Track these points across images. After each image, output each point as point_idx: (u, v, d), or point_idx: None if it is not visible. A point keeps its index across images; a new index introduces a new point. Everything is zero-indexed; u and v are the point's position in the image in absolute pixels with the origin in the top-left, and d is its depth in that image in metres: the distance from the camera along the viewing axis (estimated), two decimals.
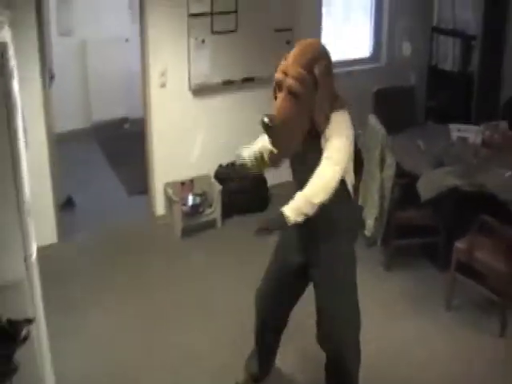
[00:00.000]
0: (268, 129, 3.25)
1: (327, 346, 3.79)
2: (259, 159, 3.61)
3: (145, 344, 4.59)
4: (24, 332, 2.49)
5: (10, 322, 2.49)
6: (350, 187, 3.50)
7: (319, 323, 3.77)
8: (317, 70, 3.25)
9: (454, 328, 4.83)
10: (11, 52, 2.79)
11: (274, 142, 3.34)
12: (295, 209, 3.21)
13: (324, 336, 3.77)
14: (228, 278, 5.19)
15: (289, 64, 3.29)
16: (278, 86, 3.35)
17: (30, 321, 2.60)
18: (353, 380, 3.90)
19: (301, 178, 3.40)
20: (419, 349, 4.61)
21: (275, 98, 3.41)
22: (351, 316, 3.74)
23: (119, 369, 4.35)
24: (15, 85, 2.77)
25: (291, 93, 3.26)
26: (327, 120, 3.30)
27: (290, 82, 3.25)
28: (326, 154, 3.28)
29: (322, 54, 3.34)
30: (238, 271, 5.32)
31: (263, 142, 3.55)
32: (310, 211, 3.22)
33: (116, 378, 4.26)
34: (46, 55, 5.42)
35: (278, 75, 3.33)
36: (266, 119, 3.23)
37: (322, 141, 3.31)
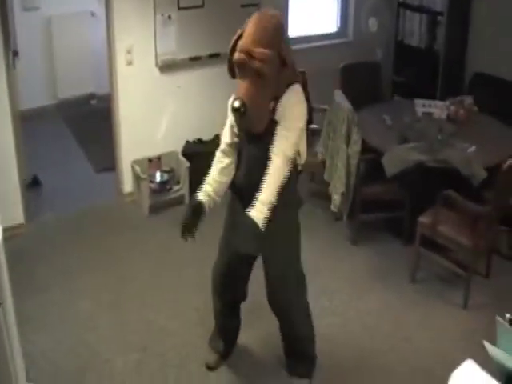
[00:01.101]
0: (239, 114, 3.24)
1: (276, 308, 3.88)
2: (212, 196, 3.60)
3: (115, 322, 4.60)
4: None
5: None
6: (301, 162, 3.59)
7: (267, 287, 3.85)
8: (280, 46, 3.21)
9: (418, 300, 4.93)
10: None
11: (243, 124, 3.35)
12: (262, 217, 3.27)
13: (272, 298, 3.85)
14: (196, 254, 5.21)
15: (250, 44, 3.19)
16: (241, 67, 3.27)
17: None
18: (307, 345, 4.03)
19: (254, 153, 3.45)
20: (384, 321, 4.70)
21: (233, 76, 3.38)
22: (299, 280, 3.84)
23: (89, 349, 4.35)
24: None
25: (258, 75, 3.20)
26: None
27: (257, 64, 3.18)
28: (275, 147, 3.33)
29: (282, 28, 3.29)
30: (205, 247, 5.32)
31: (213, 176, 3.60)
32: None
33: (86, 359, 4.27)
34: (9, 32, 5.33)
35: (241, 56, 3.22)
36: (236, 104, 3.21)
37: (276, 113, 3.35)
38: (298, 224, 3.77)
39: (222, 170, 3.60)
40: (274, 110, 3.35)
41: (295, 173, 3.60)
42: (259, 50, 3.17)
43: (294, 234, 3.76)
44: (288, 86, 3.36)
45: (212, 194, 3.57)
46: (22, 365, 3.51)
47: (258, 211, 3.28)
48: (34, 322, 4.47)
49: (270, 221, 3.52)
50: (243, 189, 3.60)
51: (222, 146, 3.63)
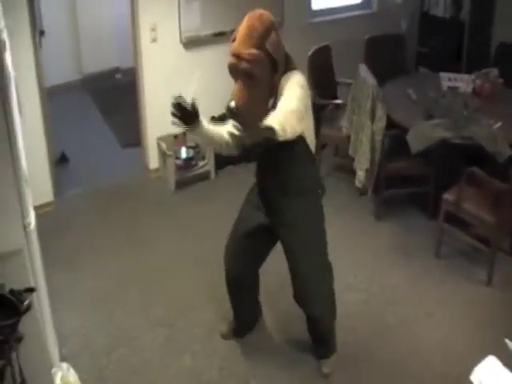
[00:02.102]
0: (234, 115, 3.20)
1: (302, 304, 3.92)
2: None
3: (141, 299, 4.70)
4: (26, 302, 2.54)
5: (12, 292, 2.54)
6: (312, 147, 3.54)
7: (293, 282, 3.87)
8: (269, 46, 3.18)
9: (442, 276, 4.97)
10: (2, 23, 2.80)
11: (241, 124, 3.30)
12: (277, 120, 3.07)
13: (298, 294, 3.88)
14: (222, 229, 5.26)
15: (238, 46, 3.17)
16: (233, 71, 3.24)
17: (31, 290, 2.65)
18: (330, 332, 4.11)
19: (261, 153, 3.47)
20: (407, 297, 4.76)
21: (232, 78, 3.29)
22: (322, 273, 3.85)
23: (118, 326, 4.46)
24: (8, 58, 2.79)
25: (248, 76, 3.18)
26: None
27: (244, 65, 3.16)
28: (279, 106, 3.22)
29: (269, 26, 3.22)
30: (232, 221, 5.39)
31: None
32: (289, 130, 3.10)
33: (115, 336, 4.38)
34: (35, 11, 5.37)
35: (231, 60, 3.20)
36: (231, 105, 3.16)
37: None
38: (322, 213, 3.76)
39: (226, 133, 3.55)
40: (274, 104, 3.28)
41: (310, 158, 3.59)
42: (247, 51, 3.15)
43: (316, 222, 3.75)
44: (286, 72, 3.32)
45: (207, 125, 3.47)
46: (56, 345, 3.62)
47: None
48: (64, 300, 4.57)
49: (288, 208, 3.60)
50: (259, 184, 3.71)
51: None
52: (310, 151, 3.56)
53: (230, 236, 4.01)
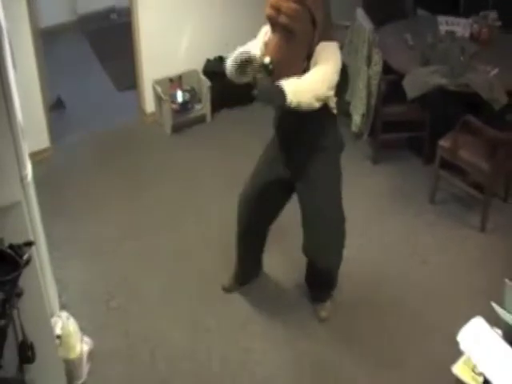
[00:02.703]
0: (268, 72, 3.16)
1: (314, 256, 3.97)
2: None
3: (141, 247, 4.75)
4: (26, 256, 2.56)
5: (12, 246, 2.56)
6: (334, 106, 3.54)
7: (307, 235, 3.90)
8: (310, 2, 3.09)
9: (437, 222, 5.04)
10: None
11: (275, 79, 3.23)
12: (293, 90, 3.12)
13: (312, 246, 3.93)
14: (219, 172, 5.29)
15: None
16: (271, 23, 3.19)
17: (30, 244, 2.67)
18: (334, 279, 4.18)
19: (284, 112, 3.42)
20: (402, 243, 4.85)
21: (271, 29, 3.25)
22: (338, 227, 3.90)
23: (117, 274, 4.53)
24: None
25: (287, 31, 3.12)
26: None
27: (284, 20, 3.09)
28: (314, 68, 3.25)
29: None
30: (228, 165, 5.43)
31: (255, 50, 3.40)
32: (305, 100, 3.16)
33: (114, 283, 4.46)
34: None
35: (270, 12, 3.14)
36: (267, 63, 3.12)
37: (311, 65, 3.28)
38: (340, 169, 3.80)
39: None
40: (306, 69, 3.28)
41: (332, 116, 3.61)
42: (287, 5, 3.07)
43: (335, 178, 3.79)
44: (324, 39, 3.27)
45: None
46: (56, 294, 3.68)
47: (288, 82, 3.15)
48: (62, 248, 4.62)
49: (310, 164, 3.63)
50: (282, 137, 3.70)
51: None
52: (333, 111, 3.56)
53: (245, 188, 4.00)
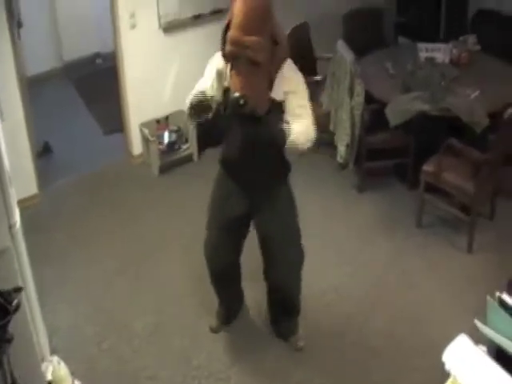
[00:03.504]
0: (242, 106, 3.13)
1: (273, 283, 4.04)
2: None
3: (130, 287, 4.77)
4: (15, 302, 2.57)
5: (0, 293, 2.56)
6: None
7: (267, 266, 3.96)
8: (270, 28, 3.12)
9: (424, 246, 5.07)
10: None
11: (245, 113, 3.23)
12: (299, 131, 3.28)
13: (273, 273, 3.98)
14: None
15: (240, 34, 3.07)
16: (234, 59, 3.17)
17: (19, 289, 2.67)
18: (298, 305, 4.18)
19: (249, 131, 3.42)
20: (390, 269, 4.87)
21: (230, 66, 3.24)
22: (296, 247, 3.92)
23: (107, 315, 4.53)
24: None
25: (252, 64, 3.11)
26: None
27: (249, 54, 3.08)
28: (297, 115, 3.34)
29: (266, 7, 3.13)
30: None
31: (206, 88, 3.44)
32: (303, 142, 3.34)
33: (105, 325, 4.45)
34: (11, 3, 5.35)
35: (233, 49, 3.11)
36: (240, 101, 3.11)
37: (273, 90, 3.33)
38: (291, 189, 3.82)
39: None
40: (270, 89, 3.32)
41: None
42: (250, 39, 3.06)
43: (290, 200, 3.82)
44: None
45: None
46: (46, 339, 3.68)
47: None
48: (52, 292, 4.63)
49: (267, 194, 3.68)
50: (236, 165, 3.68)
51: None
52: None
53: (207, 231, 4.02)
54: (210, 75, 3.48)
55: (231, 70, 3.24)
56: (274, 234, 3.81)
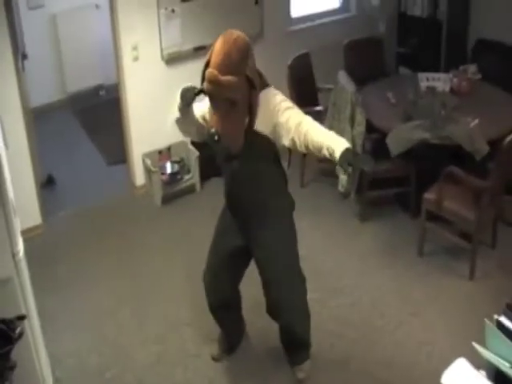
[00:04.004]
0: (217, 141, 3.23)
1: (278, 317, 4.00)
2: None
3: (133, 317, 4.76)
4: (18, 330, 2.59)
5: (4, 321, 2.59)
6: (286, 169, 3.66)
7: (267, 296, 3.94)
8: (247, 70, 3.17)
9: (426, 274, 5.07)
10: None
11: (220, 149, 3.36)
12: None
13: (274, 308, 3.96)
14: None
15: (216, 73, 3.11)
16: (210, 97, 3.24)
17: (22, 317, 2.70)
18: (305, 340, 4.17)
19: (240, 168, 3.45)
20: (393, 297, 4.85)
21: (210, 102, 3.30)
22: (297, 285, 3.92)
23: (111, 345, 4.52)
24: None
25: (230, 102, 3.18)
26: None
27: (226, 93, 3.15)
28: (295, 120, 3.28)
29: (246, 50, 3.20)
30: None
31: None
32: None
33: (109, 355, 4.44)
34: (16, 35, 5.44)
35: (210, 87, 3.16)
36: (215, 136, 3.20)
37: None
38: (294, 228, 3.83)
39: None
40: (250, 124, 3.35)
41: (284, 175, 3.69)
42: (227, 79, 3.11)
43: (291, 239, 3.83)
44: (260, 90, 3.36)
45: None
46: (49, 368, 3.69)
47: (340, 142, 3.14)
48: (56, 322, 4.63)
49: (265, 227, 3.67)
50: (235, 203, 3.73)
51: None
52: (283, 167, 3.66)
53: (207, 263, 4.04)
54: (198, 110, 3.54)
55: (211, 105, 3.31)
56: (270, 275, 3.82)
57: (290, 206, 3.78)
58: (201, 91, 3.26)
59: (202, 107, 3.51)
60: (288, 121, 3.28)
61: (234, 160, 3.43)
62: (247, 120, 3.34)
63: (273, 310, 3.98)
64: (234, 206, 3.75)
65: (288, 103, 3.38)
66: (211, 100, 3.27)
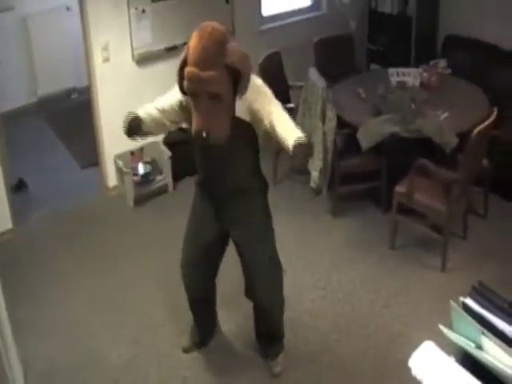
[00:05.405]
0: (205, 140, 3.25)
1: (256, 297, 4.02)
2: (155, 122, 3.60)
3: (106, 319, 4.73)
4: None
5: None
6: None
7: (247, 276, 3.97)
8: (228, 59, 3.15)
9: (398, 267, 5.10)
10: None
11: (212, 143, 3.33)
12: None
13: (252, 289, 3.98)
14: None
15: (197, 69, 3.12)
16: (193, 95, 3.23)
17: None
18: (280, 329, 4.20)
19: (220, 153, 3.45)
20: (365, 291, 4.88)
21: (184, 92, 3.32)
22: (275, 266, 3.95)
23: (83, 348, 4.49)
24: None
25: (214, 97, 3.17)
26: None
27: (210, 89, 3.14)
28: (270, 109, 3.33)
29: (223, 40, 3.17)
30: None
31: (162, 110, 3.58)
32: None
33: (81, 358, 4.41)
34: None
35: (192, 85, 3.18)
36: (203, 134, 3.21)
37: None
38: (269, 210, 3.85)
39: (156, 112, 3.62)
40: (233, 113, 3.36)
41: (258, 158, 3.71)
42: (208, 74, 3.11)
43: (268, 220, 3.85)
44: None
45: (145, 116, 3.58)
46: (20, 372, 3.66)
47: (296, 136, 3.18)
48: (27, 327, 4.58)
49: (242, 208, 3.69)
50: (211, 186, 3.73)
51: (153, 107, 3.64)
52: (259, 147, 3.66)
53: (182, 259, 4.04)
54: (173, 97, 3.56)
55: (192, 104, 3.29)
56: (249, 253, 3.84)
57: (264, 186, 3.79)
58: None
59: (177, 94, 3.49)
60: (269, 108, 3.33)
61: (223, 148, 3.39)
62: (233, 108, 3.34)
63: (252, 290, 3.99)
64: (211, 189, 3.74)
65: (268, 89, 3.43)
66: (193, 98, 3.25)
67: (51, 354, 4.44)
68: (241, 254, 3.91)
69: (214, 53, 3.13)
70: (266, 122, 3.32)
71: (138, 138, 3.65)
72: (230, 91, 3.25)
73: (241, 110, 3.38)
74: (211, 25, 3.21)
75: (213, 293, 4.25)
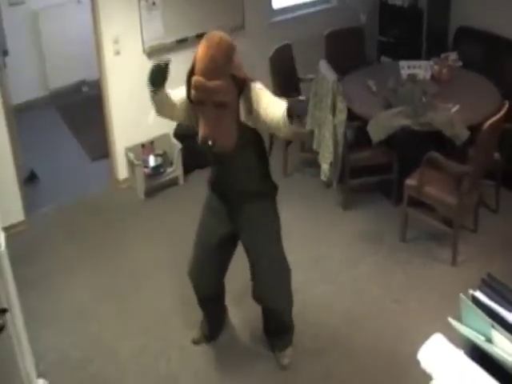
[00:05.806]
0: (211, 148, 3.28)
1: (263, 300, 4.02)
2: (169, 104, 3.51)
3: (116, 310, 4.76)
4: (0, 322, 2.58)
5: None
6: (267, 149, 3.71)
7: (255, 279, 3.96)
8: (233, 70, 3.20)
9: (408, 260, 5.10)
10: None
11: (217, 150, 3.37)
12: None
13: (260, 290, 3.97)
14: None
15: (203, 80, 3.16)
16: (200, 104, 3.26)
17: (4, 311, 2.69)
18: (290, 324, 4.21)
19: (228, 159, 3.47)
20: (374, 285, 4.88)
21: (197, 108, 3.33)
22: (282, 267, 3.96)
23: (94, 338, 4.52)
24: None
25: (220, 105, 3.21)
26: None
27: (216, 98, 3.18)
28: (266, 101, 3.33)
29: (230, 51, 3.22)
30: None
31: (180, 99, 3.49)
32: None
33: (92, 348, 4.44)
34: None
35: (199, 95, 3.21)
36: (209, 142, 3.25)
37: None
38: (277, 212, 3.87)
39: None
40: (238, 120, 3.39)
41: (267, 159, 3.73)
42: (214, 84, 3.15)
43: (276, 222, 3.86)
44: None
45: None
46: (32, 362, 3.68)
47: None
48: (39, 318, 4.61)
49: (252, 211, 3.71)
50: (224, 190, 3.75)
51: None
52: (266, 151, 3.71)
53: (192, 257, 4.05)
54: (181, 93, 3.51)
55: (198, 112, 3.32)
56: (259, 255, 3.85)
57: (274, 190, 3.81)
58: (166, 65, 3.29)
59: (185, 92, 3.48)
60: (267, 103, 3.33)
61: (231, 155, 3.45)
62: (239, 116, 3.36)
63: (260, 294, 3.99)
64: (223, 192, 3.77)
65: (267, 91, 3.43)
66: (200, 107, 3.28)
67: (62, 345, 4.47)
68: (249, 256, 3.92)
69: (222, 63, 3.17)
70: (264, 117, 3.34)
71: (156, 95, 3.47)
72: (236, 99, 3.29)
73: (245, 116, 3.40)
74: (219, 35, 3.24)
75: (222, 291, 4.26)
